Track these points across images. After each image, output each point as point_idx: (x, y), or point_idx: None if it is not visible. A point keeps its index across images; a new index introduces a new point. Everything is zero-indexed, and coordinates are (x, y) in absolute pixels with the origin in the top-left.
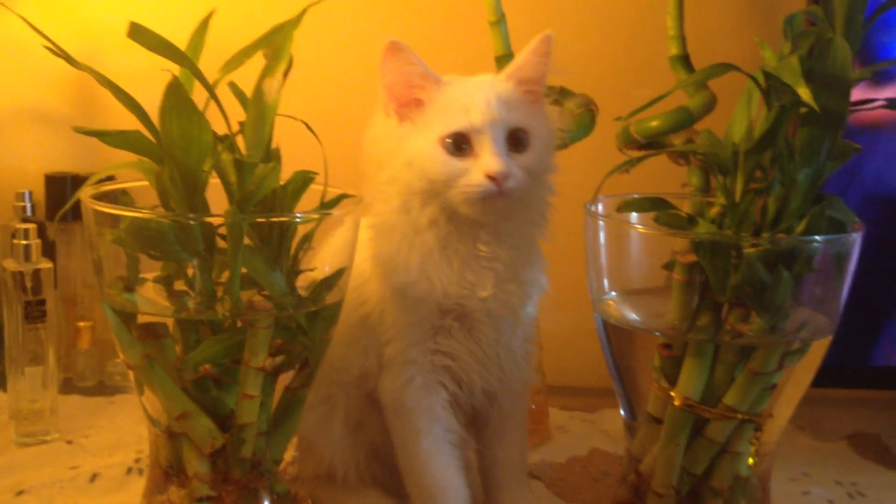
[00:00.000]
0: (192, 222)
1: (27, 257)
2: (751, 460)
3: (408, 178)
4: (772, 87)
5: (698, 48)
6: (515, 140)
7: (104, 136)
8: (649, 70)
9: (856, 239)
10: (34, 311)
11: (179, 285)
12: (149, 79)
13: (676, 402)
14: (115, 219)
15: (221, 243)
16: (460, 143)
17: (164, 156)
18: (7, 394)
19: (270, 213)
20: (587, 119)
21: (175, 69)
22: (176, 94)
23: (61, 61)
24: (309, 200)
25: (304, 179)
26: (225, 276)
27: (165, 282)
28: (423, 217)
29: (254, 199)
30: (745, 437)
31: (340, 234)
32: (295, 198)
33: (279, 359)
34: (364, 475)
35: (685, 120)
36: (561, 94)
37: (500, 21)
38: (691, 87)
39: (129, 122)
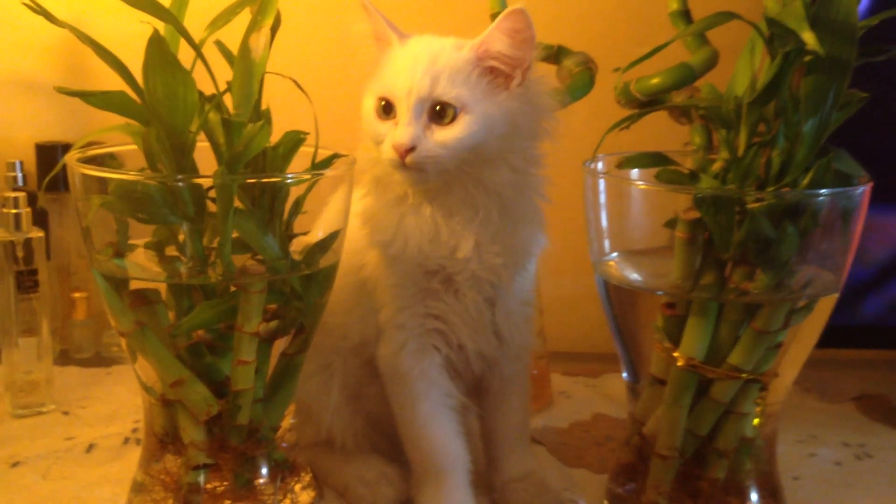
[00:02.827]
0: (180, 184)
1: (17, 226)
2: (756, 420)
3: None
4: (775, 34)
5: (700, 3)
6: (440, 113)
7: (88, 96)
8: (650, 27)
9: (863, 193)
10: (26, 281)
11: (171, 251)
12: (136, 45)
13: (680, 363)
14: (103, 183)
15: (213, 207)
16: (389, 108)
17: (150, 116)
18: (2, 365)
19: (261, 174)
20: (586, 77)
21: (159, 27)
22: (158, 49)
23: (50, 29)
24: (302, 163)
25: (295, 140)
26: (217, 240)
27: (156, 247)
28: (378, 170)
29: (243, 159)
30: (750, 398)
31: (337, 196)
32: (286, 159)
33: (273, 324)
34: (362, 443)
35: (686, 76)
36: (559, 53)
37: None
38: (693, 42)
39: None
